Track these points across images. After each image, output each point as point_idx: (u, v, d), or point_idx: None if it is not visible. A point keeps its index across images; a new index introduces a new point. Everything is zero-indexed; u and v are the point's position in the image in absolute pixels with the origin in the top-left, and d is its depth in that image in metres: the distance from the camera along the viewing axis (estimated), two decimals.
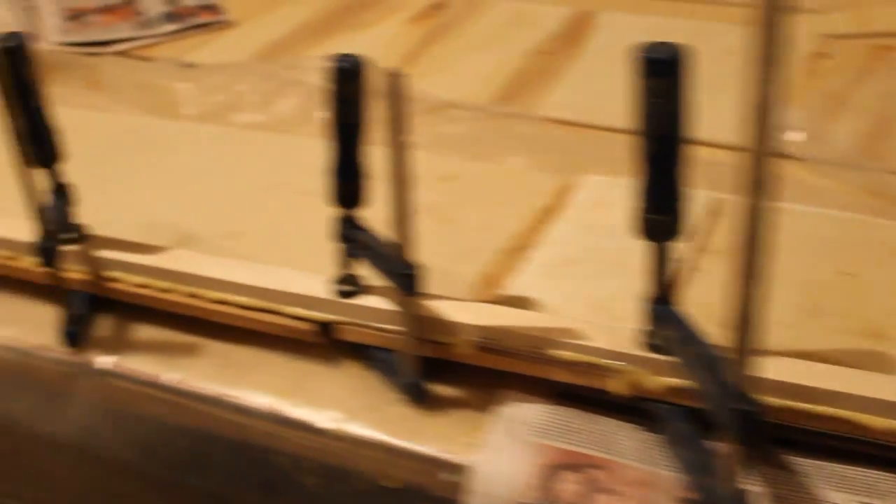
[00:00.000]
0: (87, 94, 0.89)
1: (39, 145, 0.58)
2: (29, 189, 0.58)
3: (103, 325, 0.61)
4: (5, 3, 1.06)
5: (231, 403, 0.56)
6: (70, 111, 0.79)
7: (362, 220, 0.55)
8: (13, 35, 0.56)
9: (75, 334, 0.60)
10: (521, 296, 0.58)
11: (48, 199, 0.59)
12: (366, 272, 0.55)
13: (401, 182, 0.49)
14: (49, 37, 0.99)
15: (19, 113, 0.56)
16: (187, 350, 0.59)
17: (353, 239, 0.55)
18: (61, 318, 0.61)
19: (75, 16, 1.03)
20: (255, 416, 0.56)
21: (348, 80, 0.51)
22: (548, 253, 0.62)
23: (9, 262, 0.63)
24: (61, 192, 0.59)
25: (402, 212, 0.50)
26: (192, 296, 0.59)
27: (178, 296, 0.60)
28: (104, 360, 0.59)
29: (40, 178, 0.58)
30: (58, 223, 0.59)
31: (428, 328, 0.53)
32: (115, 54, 0.97)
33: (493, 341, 0.53)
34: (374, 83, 0.51)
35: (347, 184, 0.54)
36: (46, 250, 0.58)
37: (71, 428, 0.60)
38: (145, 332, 0.61)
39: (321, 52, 0.94)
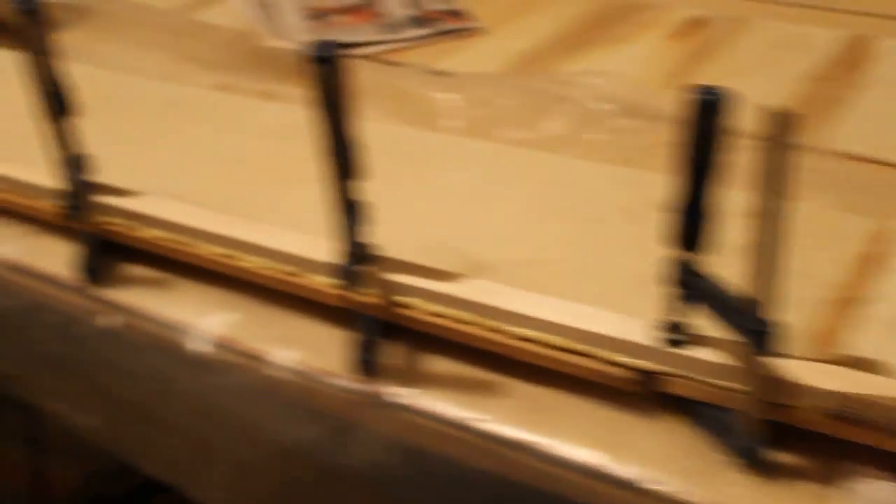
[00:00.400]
0: None
1: (344, 159, 0.56)
2: (331, 206, 0.56)
3: (393, 354, 0.59)
4: (246, 2, 1.06)
5: (539, 451, 0.53)
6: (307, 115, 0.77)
7: (704, 266, 0.51)
8: (327, 44, 0.54)
9: (369, 362, 0.58)
10: (866, 357, 0.54)
11: (344, 216, 0.57)
12: (699, 321, 0.52)
13: (773, 233, 0.45)
14: (294, 36, 0.98)
15: (330, 126, 0.55)
16: (488, 388, 0.57)
17: (692, 285, 0.51)
18: (351, 343, 0.58)
19: (317, 15, 1.02)
20: (566, 467, 0.53)
21: (710, 114, 0.48)
22: (886, 309, 0.58)
23: (294, 279, 0.62)
24: (356, 210, 0.57)
25: (768, 264, 0.46)
26: (495, 330, 0.56)
27: (478, 329, 0.57)
28: (397, 392, 0.57)
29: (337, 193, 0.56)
30: (353, 243, 0.57)
31: (774, 389, 0.50)
32: (362, 58, 0.96)
33: (850, 409, 0.49)
34: (743, 120, 0.47)
35: (693, 225, 0.50)
36: (348, 272, 0.56)
37: (358, 461, 0.58)
38: (439, 364, 0.58)
39: (576, 65, 0.92)
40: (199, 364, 0.63)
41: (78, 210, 0.66)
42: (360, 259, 0.57)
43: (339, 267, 0.57)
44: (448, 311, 0.58)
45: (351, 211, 0.57)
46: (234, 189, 0.74)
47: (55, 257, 0.70)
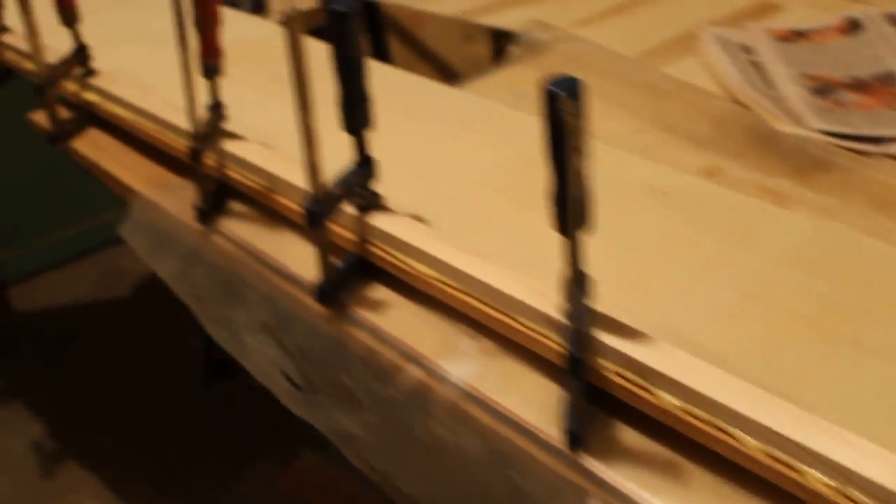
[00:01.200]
0: (873, 218, 0.69)
1: None
2: None
3: None
4: (727, 57, 0.90)
5: None
6: (848, 237, 0.60)
7: None
8: None
9: None
10: None
11: None
12: None
13: None
14: (804, 119, 0.80)
15: None
16: None
17: None
18: None
19: (823, 89, 0.85)
20: None
21: None
22: None
23: None
24: None
25: None
26: None
27: None
28: None
29: None
30: None
31: None
32: (887, 157, 0.77)
33: None
34: None
35: None
36: None
37: None
38: None
39: None
40: None
41: (580, 355, 0.52)
42: None
43: None
44: None
45: None
46: (766, 349, 0.57)
47: (523, 394, 0.56)
